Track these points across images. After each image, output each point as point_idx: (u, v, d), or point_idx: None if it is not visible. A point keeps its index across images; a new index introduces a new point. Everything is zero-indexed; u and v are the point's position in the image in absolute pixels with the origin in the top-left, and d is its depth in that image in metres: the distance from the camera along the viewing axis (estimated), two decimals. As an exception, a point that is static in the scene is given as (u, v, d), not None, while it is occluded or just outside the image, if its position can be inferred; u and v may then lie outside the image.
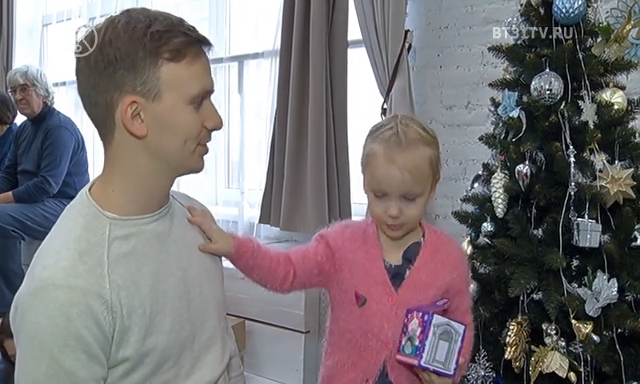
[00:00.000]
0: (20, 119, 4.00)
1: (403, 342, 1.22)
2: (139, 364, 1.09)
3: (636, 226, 1.63)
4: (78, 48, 1.10)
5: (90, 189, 1.16)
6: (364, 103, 2.91)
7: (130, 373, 1.09)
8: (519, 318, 1.61)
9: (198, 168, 1.18)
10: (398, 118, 1.28)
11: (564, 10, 1.64)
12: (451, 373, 1.21)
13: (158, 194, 1.17)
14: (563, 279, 1.59)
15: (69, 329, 1.01)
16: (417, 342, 1.20)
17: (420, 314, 1.21)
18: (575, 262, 1.68)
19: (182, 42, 1.08)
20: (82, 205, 1.14)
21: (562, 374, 1.52)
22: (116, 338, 1.06)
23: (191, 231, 1.25)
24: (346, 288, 1.29)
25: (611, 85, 1.70)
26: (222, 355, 1.25)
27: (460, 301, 1.34)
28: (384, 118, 2.64)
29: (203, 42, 1.12)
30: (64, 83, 4.28)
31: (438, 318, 1.21)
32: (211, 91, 1.14)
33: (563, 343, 1.57)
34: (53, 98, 3.80)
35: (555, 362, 1.53)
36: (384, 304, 1.27)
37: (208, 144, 1.18)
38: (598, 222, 1.59)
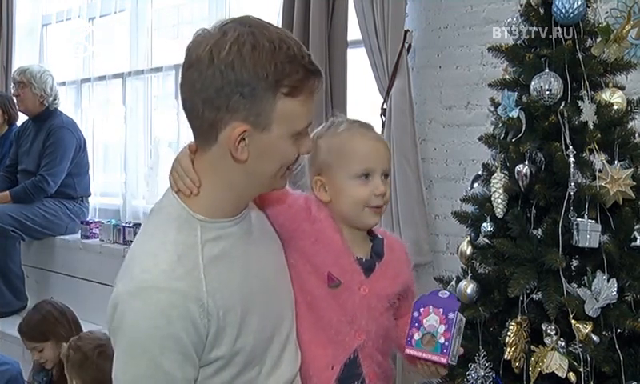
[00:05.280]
0: (22, 119, 4.01)
1: (416, 337, 1.23)
2: (229, 363, 1.12)
3: (635, 226, 1.63)
4: (191, 55, 1.07)
5: None
6: (363, 103, 2.91)
7: (220, 372, 1.12)
8: (519, 318, 1.61)
9: (282, 187, 1.23)
10: (338, 117, 1.37)
11: (563, 11, 1.64)
12: (455, 363, 1.25)
13: (243, 204, 1.20)
14: (563, 279, 1.58)
15: (168, 330, 1.04)
16: (442, 340, 1.21)
17: (440, 310, 1.22)
18: (575, 262, 1.68)
19: (301, 78, 1.07)
20: (171, 206, 1.15)
21: (561, 374, 1.52)
22: (210, 339, 1.08)
23: (267, 230, 1.28)
24: (315, 263, 1.28)
25: (611, 85, 1.70)
26: (296, 353, 1.27)
27: (412, 295, 1.37)
28: (384, 118, 2.64)
29: (319, 75, 1.12)
30: (63, 83, 4.28)
31: (458, 315, 1.22)
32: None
33: (563, 343, 1.56)
34: (55, 101, 3.79)
35: (555, 362, 1.53)
36: (356, 292, 1.28)
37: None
38: (597, 222, 1.59)
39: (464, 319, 1.27)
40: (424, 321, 1.23)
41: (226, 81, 1.04)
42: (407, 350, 1.24)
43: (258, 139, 1.09)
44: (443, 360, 1.21)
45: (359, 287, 1.29)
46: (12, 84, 3.80)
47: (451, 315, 1.21)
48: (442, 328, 1.21)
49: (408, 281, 1.38)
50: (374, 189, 1.28)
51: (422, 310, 1.24)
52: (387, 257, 1.34)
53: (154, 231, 1.14)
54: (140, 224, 3.48)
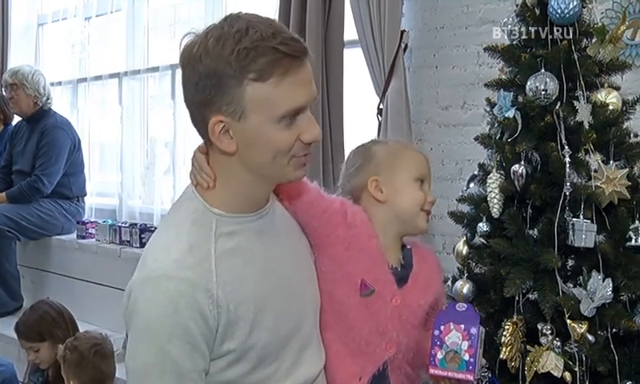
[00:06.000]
0: (17, 119, 4.00)
1: (439, 356, 1.21)
2: (242, 358, 1.12)
3: (631, 226, 1.63)
4: (180, 58, 1.12)
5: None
6: (360, 103, 2.91)
7: (232, 365, 1.12)
8: (515, 317, 1.61)
9: (295, 178, 1.18)
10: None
11: (559, 11, 1.64)
12: (479, 377, 1.26)
13: (258, 198, 1.19)
14: (558, 279, 1.59)
15: (177, 319, 1.05)
16: (467, 357, 1.19)
17: (462, 326, 1.21)
18: (570, 262, 1.68)
19: (269, 60, 1.04)
20: (189, 201, 1.17)
21: (557, 373, 1.53)
22: (221, 332, 1.09)
23: (292, 229, 1.27)
24: (347, 270, 1.27)
25: (606, 85, 1.70)
26: (319, 354, 1.26)
27: (443, 303, 1.38)
28: (380, 118, 2.64)
29: (297, 56, 1.07)
30: (59, 83, 4.26)
31: (480, 328, 1.21)
32: (306, 105, 1.11)
33: (558, 343, 1.57)
34: (48, 100, 3.78)
35: (550, 362, 1.53)
36: (387, 303, 1.27)
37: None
38: (593, 222, 1.59)
39: (484, 330, 1.25)
40: (446, 338, 1.21)
41: (198, 76, 1.06)
42: (431, 370, 1.23)
43: (239, 129, 1.08)
44: (470, 377, 1.19)
45: (391, 297, 1.28)
46: (3, 87, 3.77)
47: (473, 330, 1.20)
48: (466, 344, 1.20)
49: (439, 291, 1.39)
50: (426, 195, 1.37)
51: (442, 327, 1.22)
52: (417, 267, 1.36)
53: (171, 224, 1.17)
54: (136, 224, 3.50)
